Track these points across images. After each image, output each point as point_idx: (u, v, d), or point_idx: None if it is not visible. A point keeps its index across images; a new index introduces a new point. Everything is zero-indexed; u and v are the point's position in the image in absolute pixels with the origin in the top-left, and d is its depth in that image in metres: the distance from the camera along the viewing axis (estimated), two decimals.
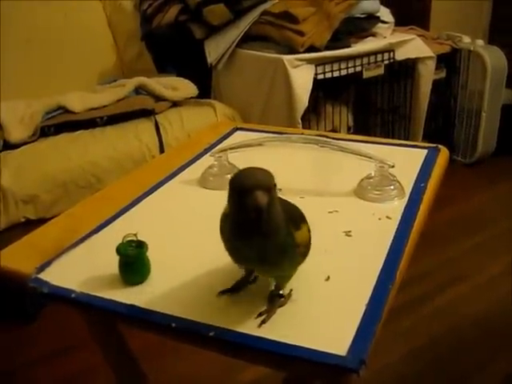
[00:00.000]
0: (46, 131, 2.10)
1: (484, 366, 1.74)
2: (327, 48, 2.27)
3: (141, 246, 0.77)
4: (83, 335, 1.09)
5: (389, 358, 1.74)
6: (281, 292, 0.72)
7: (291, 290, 0.73)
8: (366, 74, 2.42)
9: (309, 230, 0.72)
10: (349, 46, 2.36)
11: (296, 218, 0.71)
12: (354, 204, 0.96)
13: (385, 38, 2.55)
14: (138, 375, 1.26)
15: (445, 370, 1.74)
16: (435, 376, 1.72)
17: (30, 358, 1.85)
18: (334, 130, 2.48)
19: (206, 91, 2.55)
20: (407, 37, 2.58)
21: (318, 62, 2.26)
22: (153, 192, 1.05)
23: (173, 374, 1.74)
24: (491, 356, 1.78)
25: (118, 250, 0.76)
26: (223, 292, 0.74)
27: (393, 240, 0.83)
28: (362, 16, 2.46)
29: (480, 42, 3.06)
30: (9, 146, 2.01)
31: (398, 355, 1.77)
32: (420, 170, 1.07)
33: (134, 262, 0.76)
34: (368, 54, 2.40)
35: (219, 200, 1.01)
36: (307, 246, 0.72)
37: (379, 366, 1.68)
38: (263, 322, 0.68)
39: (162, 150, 2.10)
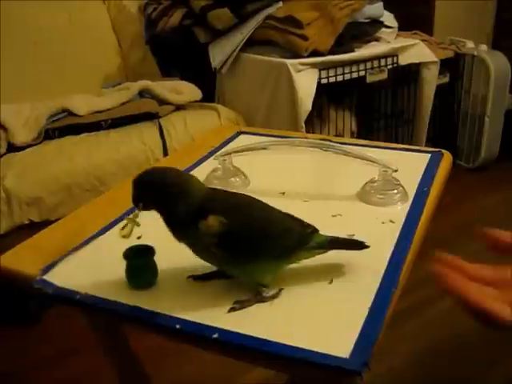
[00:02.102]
0: (50, 134, 2.11)
1: (486, 371, 1.74)
2: (331, 52, 2.28)
3: (148, 251, 0.77)
4: (87, 337, 1.09)
5: (392, 362, 1.74)
6: (264, 289, 0.73)
7: (280, 290, 0.74)
8: (369, 79, 2.43)
9: (222, 221, 0.71)
10: (352, 51, 2.37)
11: (207, 209, 0.72)
12: (358, 208, 0.96)
13: (388, 42, 2.55)
14: (142, 378, 1.27)
15: (447, 374, 1.74)
16: (438, 380, 1.72)
17: (33, 359, 1.86)
18: (337, 135, 2.49)
19: (209, 95, 2.56)
20: (411, 42, 2.58)
21: (321, 67, 2.26)
22: None
23: (176, 377, 1.74)
24: (494, 361, 1.78)
25: (126, 256, 0.76)
26: (194, 278, 0.78)
27: (396, 244, 0.83)
28: (366, 21, 2.47)
29: (483, 46, 3.06)
30: (13, 148, 2.02)
31: (401, 359, 1.77)
32: (423, 175, 1.08)
33: (141, 267, 0.76)
34: (372, 59, 2.41)
35: None
36: (221, 237, 0.71)
37: (382, 369, 1.68)
38: (233, 308, 0.71)
39: (165, 154, 2.10)
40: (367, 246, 0.77)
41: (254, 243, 0.73)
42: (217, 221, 0.71)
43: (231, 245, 0.71)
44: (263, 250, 0.74)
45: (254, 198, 0.78)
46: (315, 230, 0.79)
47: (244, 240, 0.72)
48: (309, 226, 0.79)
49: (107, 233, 0.92)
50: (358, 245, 0.78)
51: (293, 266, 0.77)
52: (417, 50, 2.58)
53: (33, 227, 1.84)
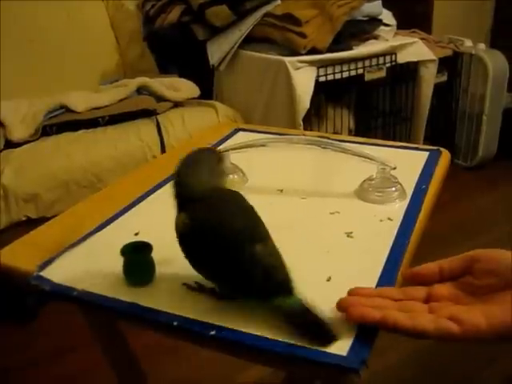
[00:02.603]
0: (47, 130, 2.11)
1: (483, 369, 1.74)
2: (329, 50, 2.28)
3: (145, 247, 0.77)
4: (84, 334, 1.09)
5: (389, 360, 1.74)
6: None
7: None
8: (367, 77, 2.43)
9: (184, 221, 0.70)
10: (351, 49, 2.37)
11: (186, 205, 0.71)
12: (356, 205, 0.96)
13: (387, 40, 2.55)
14: (139, 375, 1.26)
15: (446, 372, 1.74)
16: (436, 379, 1.72)
17: (30, 356, 1.86)
18: (335, 133, 2.49)
19: (207, 92, 2.55)
20: (409, 40, 2.58)
21: (319, 64, 2.26)
22: (154, 192, 1.05)
23: (173, 374, 1.74)
24: (490, 359, 1.78)
25: (123, 252, 0.75)
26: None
27: (394, 241, 0.83)
28: (365, 19, 2.47)
29: (482, 45, 3.07)
30: (11, 144, 2.03)
31: (399, 357, 1.77)
32: (421, 172, 1.07)
33: (139, 264, 0.76)
34: (370, 57, 2.41)
35: None
36: (181, 237, 0.71)
37: (380, 367, 1.69)
38: (189, 285, 0.72)
39: (163, 150, 2.10)
40: (331, 341, 0.62)
41: (209, 258, 0.68)
42: (180, 219, 0.70)
43: (188, 248, 0.70)
44: (218, 269, 0.68)
45: (250, 213, 0.71)
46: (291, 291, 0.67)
47: (199, 249, 0.69)
48: (291, 280, 0.67)
49: (104, 229, 0.91)
50: (323, 338, 0.62)
51: (289, 262, 0.74)
52: (415, 49, 2.58)
53: (30, 224, 1.84)
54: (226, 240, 0.67)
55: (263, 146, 1.06)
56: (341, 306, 0.65)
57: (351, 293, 0.67)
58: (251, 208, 0.72)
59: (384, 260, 0.78)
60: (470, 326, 0.59)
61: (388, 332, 0.61)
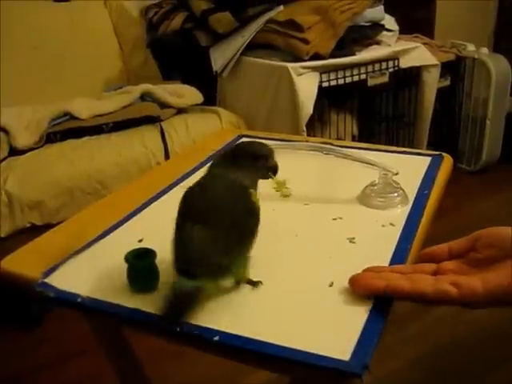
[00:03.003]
0: (51, 137, 2.12)
1: (488, 374, 1.74)
2: (332, 56, 2.29)
3: (149, 253, 0.77)
4: (89, 340, 1.09)
5: (394, 365, 1.74)
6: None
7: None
8: (370, 82, 2.43)
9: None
10: (353, 54, 2.37)
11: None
12: (358, 211, 0.97)
13: (389, 46, 2.56)
14: (143, 380, 1.27)
15: (449, 377, 1.74)
16: (440, 383, 1.72)
17: (34, 363, 1.86)
18: (338, 138, 2.49)
19: (211, 98, 2.56)
20: (412, 45, 2.59)
21: (322, 70, 2.27)
22: (158, 198, 1.06)
23: (177, 379, 1.75)
24: (495, 363, 1.78)
25: (127, 259, 0.76)
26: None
27: (396, 247, 0.83)
28: (367, 24, 2.47)
29: (484, 49, 3.07)
30: (15, 151, 2.03)
31: (404, 362, 1.77)
32: (424, 178, 1.08)
33: (142, 270, 0.76)
34: (373, 62, 2.41)
35: None
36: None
37: (384, 372, 1.69)
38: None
39: (167, 157, 2.11)
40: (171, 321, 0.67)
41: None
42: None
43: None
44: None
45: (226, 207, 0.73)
46: None
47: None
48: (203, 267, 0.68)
49: (108, 236, 0.92)
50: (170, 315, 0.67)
51: (288, 267, 0.78)
52: (418, 54, 2.58)
53: (34, 230, 1.84)
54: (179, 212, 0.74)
55: None
56: (351, 280, 0.71)
57: (365, 270, 0.73)
58: (241, 209, 0.74)
59: (386, 265, 0.78)
60: (467, 289, 0.63)
61: (394, 299, 0.68)
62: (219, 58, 2.50)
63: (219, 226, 0.70)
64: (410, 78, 2.64)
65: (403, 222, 0.90)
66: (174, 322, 0.66)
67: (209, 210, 0.72)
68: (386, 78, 2.48)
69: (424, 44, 2.70)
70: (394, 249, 0.83)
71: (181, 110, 2.37)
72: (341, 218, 0.94)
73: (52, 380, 1.79)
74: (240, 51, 2.42)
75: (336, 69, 2.31)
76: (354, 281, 0.71)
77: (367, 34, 2.49)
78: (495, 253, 0.68)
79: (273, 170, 0.80)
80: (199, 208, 0.73)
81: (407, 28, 2.82)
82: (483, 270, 0.67)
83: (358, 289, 0.70)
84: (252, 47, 2.42)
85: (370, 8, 2.44)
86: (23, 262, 0.86)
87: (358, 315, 0.68)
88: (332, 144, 1.18)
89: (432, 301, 0.65)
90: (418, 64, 2.60)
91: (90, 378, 1.76)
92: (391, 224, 0.90)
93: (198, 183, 0.77)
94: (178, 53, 2.68)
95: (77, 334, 1.46)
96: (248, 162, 0.77)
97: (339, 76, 2.32)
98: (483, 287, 0.63)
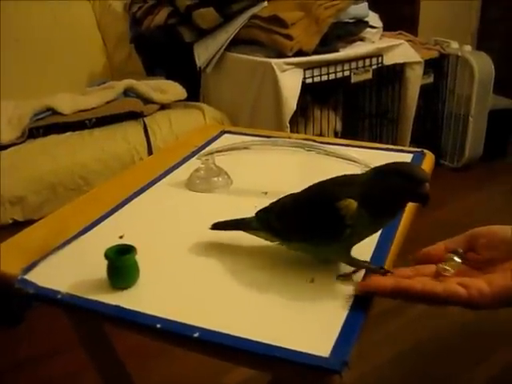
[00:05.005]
0: (34, 133, 2.10)
1: (469, 370, 1.75)
2: (316, 52, 2.29)
3: (129, 250, 0.77)
4: (69, 337, 1.09)
5: (375, 361, 1.74)
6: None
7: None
8: (354, 79, 2.44)
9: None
10: (337, 51, 2.38)
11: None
12: None
13: (373, 42, 2.57)
14: (125, 377, 1.26)
15: (430, 373, 1.75)
16: (421, 379, 1.73)
17: (15, 360, 1.85)
18: (322, 134, 2.49)
19: (194, 94, 2.55)
20: (395, 42, 2.60)
21: (306, 66, 2.27)
22: (140, 194, 1.05)
23: (159, 376, 1.74)
24: (476, 359, 1.79)
25: (107, 255, 0.75)
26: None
27: (377, 243, 0.84)
28: (351, 21, 2.47)
29: (468, 47, 3.09)
30: None
31: (385, 358, 1.78)
32: None
33: (122, 266, 0.76)
34: (356, 59, 2.42)
35: (206, 202, 1.02)
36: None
37: (366, 368, 1.69)
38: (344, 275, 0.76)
39: (150, 153, 2.10)
40: None
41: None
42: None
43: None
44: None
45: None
46: None
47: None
48: None
49: (89, 232, 0.91)
50: None
51: (274, 263, 0.78)
52: (401, 51, 2.59)
53: (17, 226, 1.82)
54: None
55: (247, 148, 1.06)
56: (359, 285, 0.72)
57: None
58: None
59: (368, 260, 0.79)
60: (475, 290, 0.64)
61: (401, 299, 0.67)
62: (203, 53, 2.49)
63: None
64: (394, 74, 2.65)
65: None
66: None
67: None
68: (369, 75, 2.48)
69: (408, 41, 2.71)
70: (375, 245, 0.83)
71: (164, 106, 2.37)
72: None
73: (33, 377, 1.78)
74: (224, 47, 2.41)
75: (320, 65, 2.31)
76: (362, 285, 0.71)
77: (351, 30, 2.49)
78: (495, 254, 0.69)
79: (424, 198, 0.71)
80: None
81: (391, 25, 2.83)
82: (485, 271, 0.68)
83: (366, 288, 0.70)
84: (236, 43, 2.42)
85: (354, 5, 2.44)
86: (3, 258, 0.85)
87: (339, 312, 0.68)
88: (314, 140, 1.18)
89: (442, 300, 0.65)
90: (401, 61, 2.61)
91: (71, 375, 1.75)
92: None
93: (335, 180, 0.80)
94: (162, 48, 2.66)
95: (58, 331, 1.45)
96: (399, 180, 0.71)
97: (323, 72, 2.32)
98: (490, 289, 0.64)
